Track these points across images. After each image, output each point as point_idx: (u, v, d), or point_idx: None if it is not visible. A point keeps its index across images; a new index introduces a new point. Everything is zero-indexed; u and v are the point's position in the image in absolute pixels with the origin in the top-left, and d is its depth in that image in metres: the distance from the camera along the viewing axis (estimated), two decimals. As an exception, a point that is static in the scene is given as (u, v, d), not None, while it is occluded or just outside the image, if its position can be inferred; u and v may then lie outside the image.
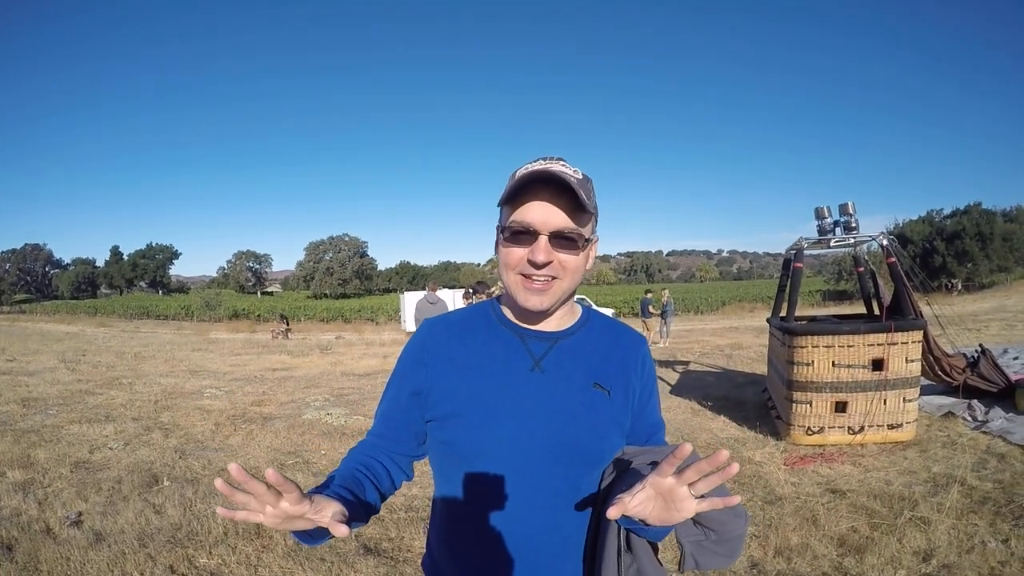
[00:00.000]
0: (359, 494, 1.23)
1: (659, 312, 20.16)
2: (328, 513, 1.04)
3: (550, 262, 1.24)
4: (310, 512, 1.02)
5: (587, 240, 1.29)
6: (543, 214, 1.23)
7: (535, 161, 1.27)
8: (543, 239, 1.23)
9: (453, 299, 22.35)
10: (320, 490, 1.15)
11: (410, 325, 8.99)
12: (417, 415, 1.38)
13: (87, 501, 5.25)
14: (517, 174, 1.26)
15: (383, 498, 1.35)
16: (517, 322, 1.39)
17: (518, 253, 1.26)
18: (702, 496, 1.02)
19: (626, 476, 1.24)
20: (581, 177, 1.26)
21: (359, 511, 1.19)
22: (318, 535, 1.08)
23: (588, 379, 1.33)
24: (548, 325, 1.38)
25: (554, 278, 1.27)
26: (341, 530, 1.00)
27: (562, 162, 1.26)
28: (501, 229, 1.31)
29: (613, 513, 1.01)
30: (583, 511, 1.32)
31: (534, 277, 1.26)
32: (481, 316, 1.44)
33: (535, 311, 1.29)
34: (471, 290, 10.19)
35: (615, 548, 1.20)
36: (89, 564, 4.02)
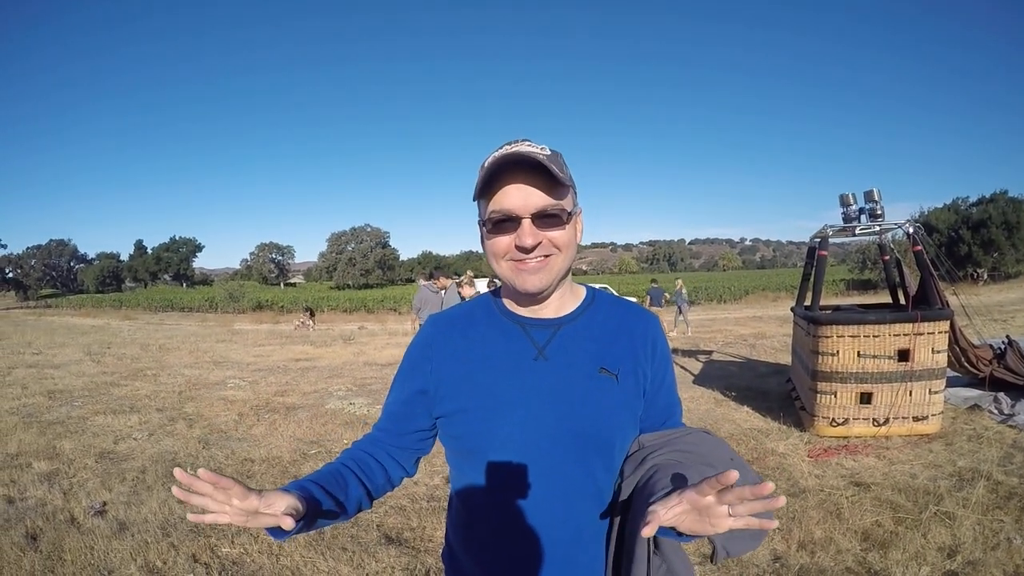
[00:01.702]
0: (335, 491, 1.25)
1: (673, 301, 20.15)
2: (279, 507, 1.06)
3: (539, 243, 1.23)
4: (261, 507, 1.05)
5: (570, 213, 1.28)
6: (521, 197, 1.22)
7: (500, 148, 1.26)
8: (526, 222, 1.22)
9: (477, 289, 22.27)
10: (291, 486, 1.17)
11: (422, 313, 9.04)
12: (422, 412, 1.39)
13: (111, 491, 5.31)
14: (486, 164, 1.24)
15: (372, 494, 1.37)
16: (517, 311, 1.38)
17: (504, 241, 1.25)
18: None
19: (652, 481, 1.20)
20: (550, 152, 1.24)
21: (330, 506, 1.22)
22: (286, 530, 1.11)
23: (594, 364, 1.32)
24: (549, 311, 1.36)
25: (548, 256, 1.26)
26: (286, 522, 1.03)
27: (528, 142, 1.25)
28: (482, 222, 1.29)
29: (647, 532, 0.99)
30: (599, 499, 1.31)
31: (527, 259, 1.24)
32: (482, 308, 1.44)
33: (535, 292, 1.27)
34: (430, 275, 10.33)
35: (645, 552, 1.19)
36: (113, 553, 4.07)
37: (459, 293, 9.41)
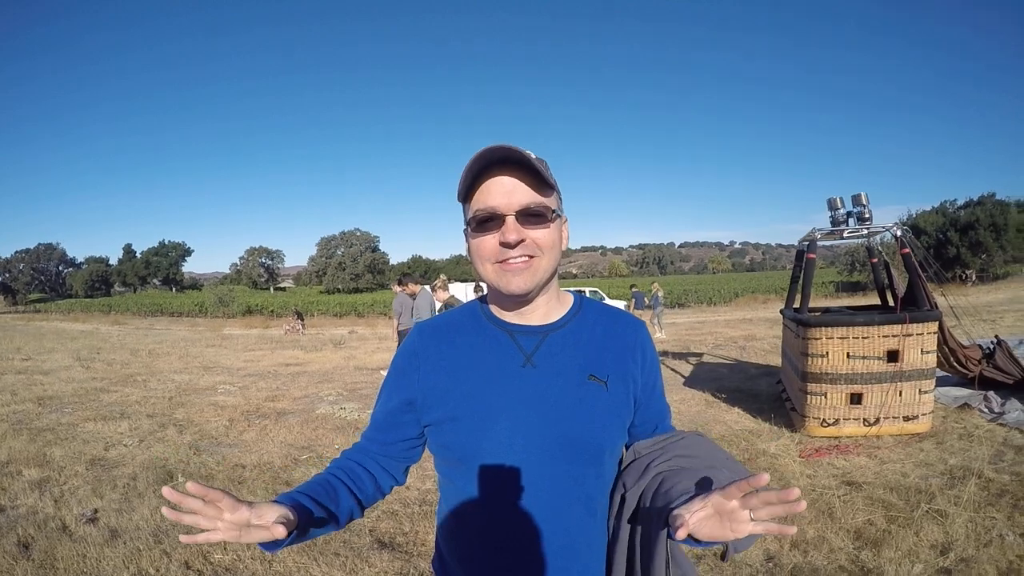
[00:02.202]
0: (325, 501, 1.25)
1: (650, 306, 20.46)
2: (270, 518, 1.06)
3: (522, 240, 1.21)
4: (253, 518, 1.05)
5: (555, 213, 1.26)
6: (505, 194, 1.21)
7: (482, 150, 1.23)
8: (510, 219, 1.20)
9: (465, 292, 22.36)
10: (281, 498, 1.17)
11: (419, 313, 8.92)
12: (410, 421, 1.38)
13: (103, 498, 5.28)
14: (468, 163, 1.22)
15: (363, 504, 1.37)
16: (505, 318, 1.36)
17: (489, 241, 1.23)
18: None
19: (662, 490, 1.21)
20: (535, 157, 1.22)
21: (321, 516, 1.22)
22: (279, 541, 1.11)
23: (583, 371, 1.30)
24: (536, 318, 1.35)
25: (531, 257, 1.23)
26: (278, 531, 1.04)
27: (509, 144, 1.21)
28: (467, 224, 1.28)
29: (682, 534, 0.99)
30: (589, 507, 1.30)
31: (510, 259, 1.22)
32: (469, 316, 1.42)
33: (519, 294, 1.25)
34: (398, 281, 10.34)
35: (663, 560, 1.18)
36: (105, 561, 4.05)
37: (434, 297, 9.43)
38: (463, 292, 22.04)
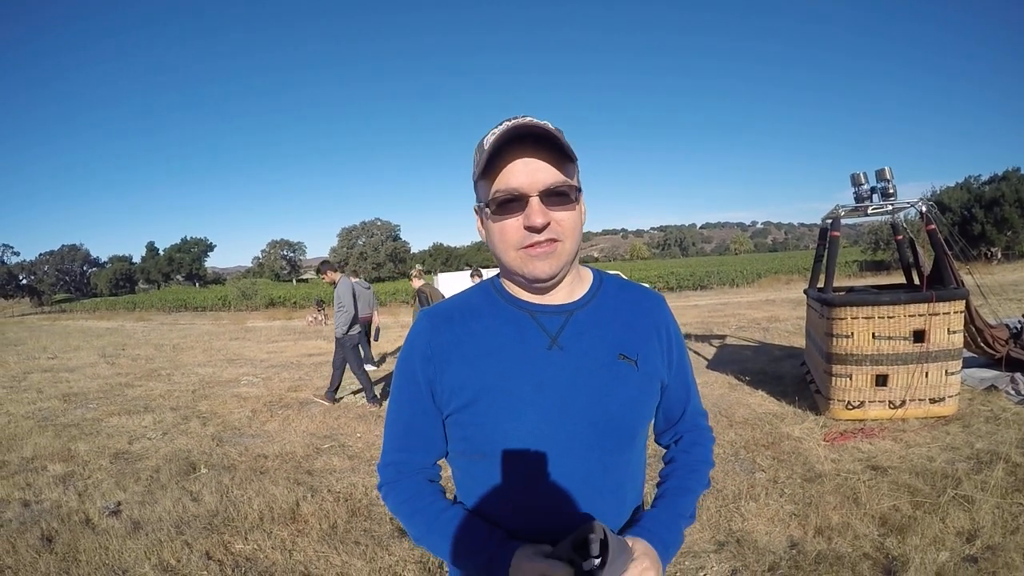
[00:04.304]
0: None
1: None
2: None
3: (548, 223, 1.13)
4: None
5: (578, 190, 1.19)
6: (528, 173, 1.12)
7: (499, 124, 1.16)
8: (535, 200, 1.12)
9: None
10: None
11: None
12: (438, 413, 1.29)
13: (126, 491, 5.33)
14: (487, 141, 1.14)
15: None
16: (524, 298, 1.27)
17: (513, 225, 1.15)
18: None
19: None
20: (554, 128, 1.14)
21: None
22: None
23: (613, 350, 1.24)
24: (559, 297, 1.27)
25: (555, 240, 1.15)
26: None
27: (530, 118, 1.14)
28: (484, 205, 1.20)
29: None
30: (619, 494, 1.26)
31: (536, 244, 1.15)
32: (482, 296, 1.32)
33: (545, 278, 1.18)
34: (317, 270, 10.16)
35: None
36: (127, 552, 4.09)
37: (412, 285, 9.59)
38: (470, 281, 21.97)
